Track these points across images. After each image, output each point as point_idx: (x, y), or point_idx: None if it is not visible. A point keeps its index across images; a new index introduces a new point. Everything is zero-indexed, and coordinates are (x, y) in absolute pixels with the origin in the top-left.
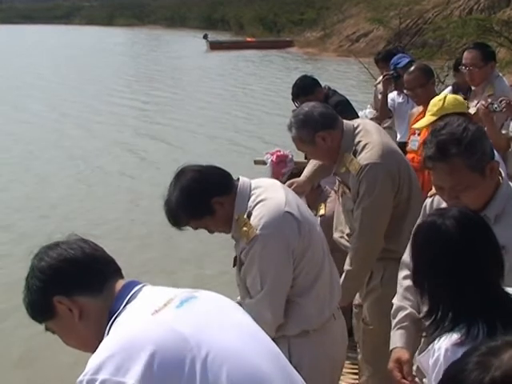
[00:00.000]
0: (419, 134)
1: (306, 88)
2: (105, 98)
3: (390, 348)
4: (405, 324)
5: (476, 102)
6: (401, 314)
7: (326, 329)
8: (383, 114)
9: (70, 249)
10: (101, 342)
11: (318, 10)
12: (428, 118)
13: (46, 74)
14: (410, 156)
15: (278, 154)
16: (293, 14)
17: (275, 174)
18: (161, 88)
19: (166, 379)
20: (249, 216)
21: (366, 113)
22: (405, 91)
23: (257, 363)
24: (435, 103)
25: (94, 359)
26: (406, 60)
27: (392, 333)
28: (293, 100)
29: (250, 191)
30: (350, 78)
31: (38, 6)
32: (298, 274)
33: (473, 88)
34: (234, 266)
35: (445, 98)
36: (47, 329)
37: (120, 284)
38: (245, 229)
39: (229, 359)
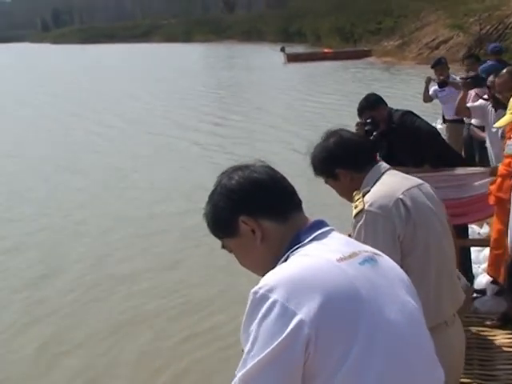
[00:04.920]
0: None
1: (370, 104)
2: (182, 112)
3: None
4: None
5: None
6: None
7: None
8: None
9: (259, 172)
10: (275, 267)
11: (395, 18)
12: (509, 117)
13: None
14: (506, 161)
15: None
16: (370, 24)
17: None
18: (243, 102)
19: (333, 329)
20: (365, 194)
21: (437, 124)
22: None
23: (409, 348)
24: None
25: (272, 277)
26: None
27: None
28: (358, 115)
29: (381, 175)
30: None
31: (117, 25)
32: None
33: None
34: None
35: None
36: (223, 246)
37: (307, 219)
38: (356, 203)
39: (391, 337)
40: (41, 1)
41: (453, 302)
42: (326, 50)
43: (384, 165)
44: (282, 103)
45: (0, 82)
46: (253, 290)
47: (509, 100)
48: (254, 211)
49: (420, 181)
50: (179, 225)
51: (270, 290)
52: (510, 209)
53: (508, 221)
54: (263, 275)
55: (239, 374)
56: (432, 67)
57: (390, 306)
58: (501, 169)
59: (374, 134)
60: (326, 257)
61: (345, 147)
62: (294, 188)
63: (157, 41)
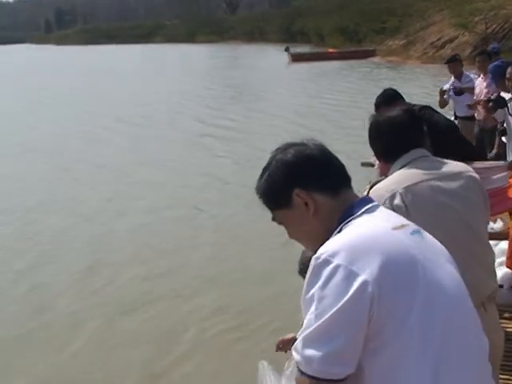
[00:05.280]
0: None
1: (387, 99)
2: (185, 113)
3: None
4: None
5: None
6: None
7: None
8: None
9: (312, 149)
10: (327, 239)
11: (400, 17)
12: None
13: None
14: None
15: None
16: (374, 23)
17: (383, 176)
18: (256, 100)
19: (394, 289)
20: (375, 184)
21: None
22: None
23: (462, 310)
24: None
25: (332, 244)
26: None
27: None
28: (375, 110)
29: (406, 165)
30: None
31: (121, 25)
32: None
33: None
34: None
35: None
36: (273, 219)
37: (356, 195)
38: (364, 193)
39: (446, 298)
40: (44, 1)
41: (474, 295)
42: (330, 50)
43: (415, 153)
44: (295, 101)
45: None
46: (315, 256)
47: None
48: (308, 185)
49: (450, 172)
50: (209, 211)
51: (332, 255)
52: None
53: None
54: (312, 247)
55: (304, 334)
56: (446, 63)
57: (441, 273)
58: None
59: None
60: (380, 225)
61: (385, 130)
62: (344, 166)
63: (159, 41)
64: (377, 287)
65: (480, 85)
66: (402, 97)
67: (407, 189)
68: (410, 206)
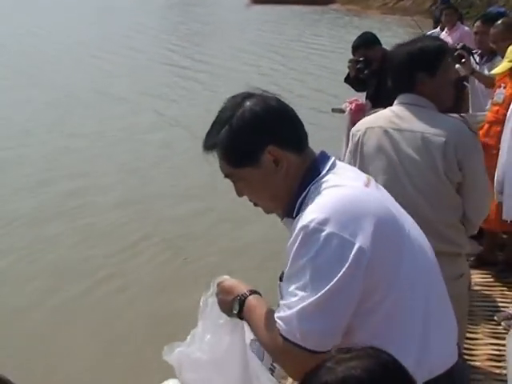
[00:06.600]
0: (505, 87)
1: (366, 42)
2: (146, 54)
3: None
4: None
5: None
6: None
7: None
8: None
9: (274, 101)
10: (291, 198)
11: None
12: (506, 64)
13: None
14: (494, 108)
15: (357, 102)
16: None
17: (353, 123)
18: (213, 42)
19: (386, 251)
20: None
21: None
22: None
23: (431, 255)
24: None
25: (317, 210)
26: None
27: None
28: (352, 52)
29: (401, 104)
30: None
31: None
32: None
33: None
34: None
35: None
36: (227, 176)
37: (313, 151)
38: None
39: (422, 247)
40: None
41: None
42: None
43: (404, 98)
44: (270, 44)
45: None
46: (302, 225)
47: (503, 50)
48: (281, 141)
49: (412, 128)
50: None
51: (322, 223)
52: (495, 154)
53: (493, 166)
54: (270, 208)
55: (300, 307)
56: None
57: (409, 222)
58: (489, 115)
59: (366, 72)
60: (354, 185)
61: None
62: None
63: None
64: (371, 252)
65: (445, 38)
66: (379, 41)
67: (367, 129)
68: (361, 145)
